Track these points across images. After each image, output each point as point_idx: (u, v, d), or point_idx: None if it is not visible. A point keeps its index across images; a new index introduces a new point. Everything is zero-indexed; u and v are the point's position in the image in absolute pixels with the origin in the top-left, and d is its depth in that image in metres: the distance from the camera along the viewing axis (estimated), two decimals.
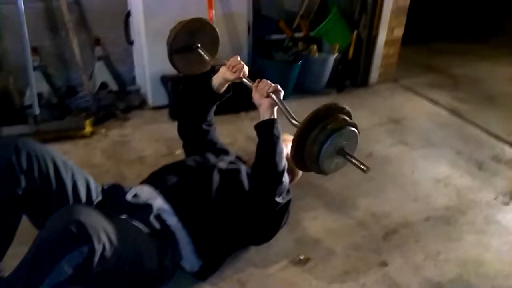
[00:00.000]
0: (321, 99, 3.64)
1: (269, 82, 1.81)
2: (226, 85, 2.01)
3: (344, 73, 3.86)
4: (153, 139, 2.88)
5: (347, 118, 1.54)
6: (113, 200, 1.77)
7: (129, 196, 1.81)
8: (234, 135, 2.99)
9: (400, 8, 3.76)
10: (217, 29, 2.13)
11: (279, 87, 1.80)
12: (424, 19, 4.93)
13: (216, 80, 1.99)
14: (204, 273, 1.83)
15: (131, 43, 3.37)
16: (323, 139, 1.45)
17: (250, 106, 3.36)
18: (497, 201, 2.47)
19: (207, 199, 1.81)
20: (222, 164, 1.97)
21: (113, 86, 3.42)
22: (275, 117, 1.81)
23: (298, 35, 3.81)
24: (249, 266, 1.93)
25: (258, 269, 1.92)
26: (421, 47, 4.97)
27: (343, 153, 1.51)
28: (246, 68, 1.94)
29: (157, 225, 1.69)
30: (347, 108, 1.56)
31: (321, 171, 1.55)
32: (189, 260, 1.79)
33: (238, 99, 3.29)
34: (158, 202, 1.76)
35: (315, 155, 1.47)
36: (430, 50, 5.00)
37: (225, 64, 1.96)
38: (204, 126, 2.10)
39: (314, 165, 1.52)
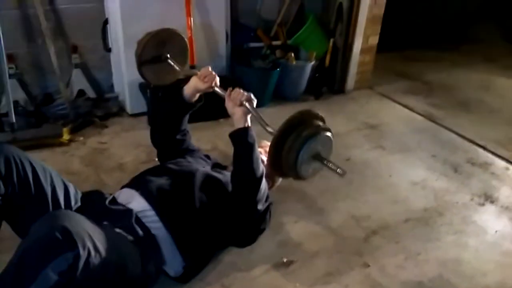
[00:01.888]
0: (299, 106, 3.68)
1: (241, 90, 1.82)
2: (198, 95, 2.02)
3: (321, 80, 3.90)
4: (132, 146, 2.87)
5: (321, 123, 1.56)
6: (93, 206, 1.75)
7: (107, 202, 1.79)
8: (214, 141, 3.00)
9: (375, 17, 3.83)
10: (185, 38, 2.12)
11: (252, 95, 1.81)
12: (398, 27, 5.03)
13: (188, 90, 1.99)
14: (187, 276, 1.82)
15: (108, 50, 3.35)
16: (299, 146, 1.48)
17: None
18: (473, 202, 2.53)
19: (190, 201, 1.81)
20: (205, 168, 1.98)
21: (91, 93, 3.39)
22: (249, 125, 1.82)
23: (276, 43, 3.85)
24: (233, 270, 1.93)
25: (241, 272, 1.92)
26: (396, 55, 5.07)
27: (320, 158, 1.54)
28: (217, 78, 1.95)
29: (138, 230, 1.67)
30: (320, 114, 1.58)
31: (299, 177, 1.58)
32: (172, 264, 1.78)
33: (217, 106, 3.33)
34: (138, 204, 1.74)
35: (292, 162, 1.50)
36: (404, 57, 5.10)
37: (196, 74, 1.97)
38: (178, 136, 2.10)
39: (292, 172, 1.54)
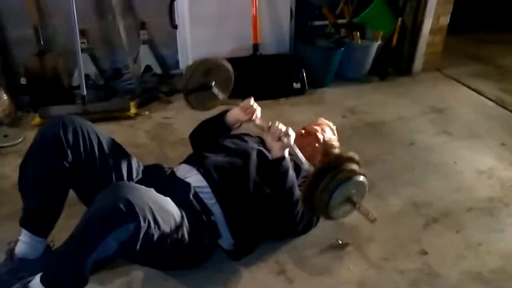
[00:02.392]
0: (363, 87, 3.63)
1: (280, 125, 1.84)
2: (238, 124, 2.06)
3: (387, 60, 3.80)
4: (195, 122, 2.86)
5: (356, 167, 1.59)
6: (153, 179, 1.82)
7: (167, 175, 1.86)
8: (274, 120, 2.99)
9: None
10: (230, 67, 2.16)
11: (290, 130, 1.83)
12: (471, 8, 4.78)
13: (230, 118, 2.03)
14: (237, 253, 1.87)
15: (175, 27, 3.41)
16: (332, 189, 1.51)
17: (290, 92, 3.38)
18: None
19: (244, 180, 1.84)
20: (260, 147, 2.00)
21: (157, 69, 3.49)
22: (285, 156, 1.83)
23: (341, 21, 3.77)
24: (288, 248, 1.95)
25: (296, 251, 1.94)
26: (468, 37, 4.82)
27: (352, 202, 1.57)
28: (259, 110, 1.98)
29: (195, 204, 1.73)
30: (357, 157, 1.61)
31: (329, 218, 1.62)
32: (226, 239, 1.83)
33: (277, 86, 3.34)
34: (196, 180, 1.80)
35: (324, 203, 1.53)
36: (476, 39, 4.85)
37: (238, 105, 2.01)
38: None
39: (323, 212, 1.59)
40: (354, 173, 1.56)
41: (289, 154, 1.84)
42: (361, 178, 1.58)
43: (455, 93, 3.66)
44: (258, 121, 1.98)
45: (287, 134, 1.81)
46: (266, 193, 1.84)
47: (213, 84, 2.12)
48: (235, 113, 2.02)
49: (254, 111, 1.97)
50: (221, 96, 2.12)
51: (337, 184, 1.51)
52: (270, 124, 1.86)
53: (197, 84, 2.10)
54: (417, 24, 3.74)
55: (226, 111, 2.07)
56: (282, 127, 1.83)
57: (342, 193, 1.53)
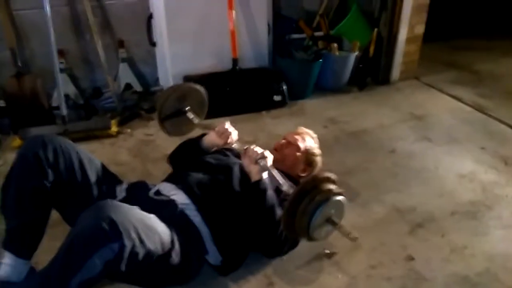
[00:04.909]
0: (343, 97, 3.67)
1: (256, 149, 1.81)
2: (215, 148, 2.07)
3: (365, 71, 3.85)
4: (177, 138, 2.88)
5: (333, 186, 1.59)
6: (137, 196, 1.80)
7: (152, 193, 1.84)
8: (256, 133, 3.02)
9: (420, 5, 3.74)
10: (203, 91, 2.15)
11: (266, 153, 1.80)
12: (446, 16, 4.89)
13: (206, 142, 2.05)
14: (225, 269, 1.85)
15: (153, 44, 3.42)
16: (312, 211, 1.51)
17: (271, 105, 3.40)
18: None
19: (228, 195, 1.83)
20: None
21: (137, 87, 3.48)
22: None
23: (318, 34, 3.82)
24: (275, 260, 1.94)
25: (284, 263, 1.94)
26: (443, 44, 4.93)
27: (332, 223, 1.58)
28: (234, 133, 1.99)
29: (181, 221, 1.72)
30: (333, 176, 1.61)
31: (311, 240, 1.61)
32: (213, 255, 1.81)
33: (258, 99, 3.36)
34: (179, 198, 1.78)
35: (305, 226, 1.53)
36: (451, 47, 4.95)
37: (213, 129, 2.02)
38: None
39: (305, 235, 1.58)
40: (332, 193, 1.55)
41: (268, 176, 1.80)
42: (339, 197, 1.57)
43: (433, 100, 3.72)
44: (234, 145, 1.98)
45: (263, 157, 1.78)
46: (248, 211, 1.81)
47: (187, 109, 2.11)
48: (211, 138, 2.04)
49: (229, 135, 1.98)
50: (196, 120, 2.11)
51: (315, 206, 1.50)
52: (246, 148, 1.84)
53: (172, 110, 2.09)
54: (393, 34, 3.80)
55: (203, 135, 2.08)
56: (258, 150, 1.81)
57: (322, 215, 1.53)
